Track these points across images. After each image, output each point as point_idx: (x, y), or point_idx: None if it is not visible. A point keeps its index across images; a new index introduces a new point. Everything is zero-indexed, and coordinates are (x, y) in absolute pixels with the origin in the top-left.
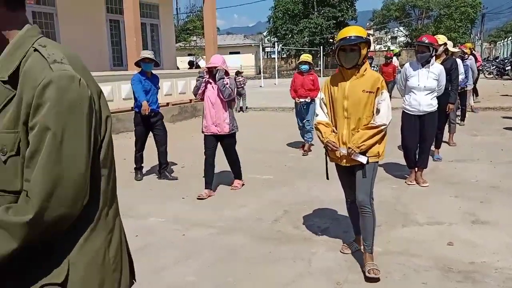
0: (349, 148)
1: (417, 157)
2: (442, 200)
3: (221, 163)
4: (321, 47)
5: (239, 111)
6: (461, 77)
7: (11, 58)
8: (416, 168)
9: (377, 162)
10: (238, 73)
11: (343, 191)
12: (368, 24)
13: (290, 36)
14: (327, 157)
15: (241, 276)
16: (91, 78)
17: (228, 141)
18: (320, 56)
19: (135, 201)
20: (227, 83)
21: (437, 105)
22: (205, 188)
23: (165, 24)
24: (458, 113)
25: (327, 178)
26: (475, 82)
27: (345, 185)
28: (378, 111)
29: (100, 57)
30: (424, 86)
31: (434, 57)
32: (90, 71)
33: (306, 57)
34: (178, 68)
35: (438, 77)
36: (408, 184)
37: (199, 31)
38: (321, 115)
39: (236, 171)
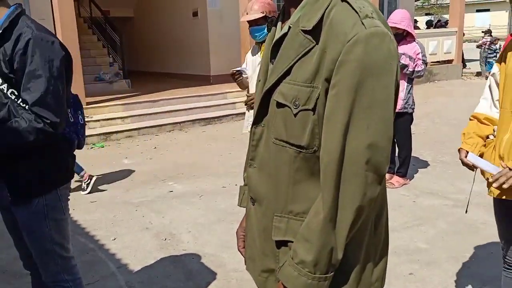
0: (506, 167)
1: None
2: None
3: None
4: None
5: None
6: None
7: (315, 7)
8: None
9: None
10: (486, 32)
11: None
12: None
13: None
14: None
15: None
16: (392, 35)
17: (398, 121)
18: None
19: None
20: (416, 58)
21: None
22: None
23: None
24: None
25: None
26: None
27: (501, 231)
28: None
29: None
30: None
31: None
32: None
33: None
34: None
35: None
36: None
37: None
38: (482, 104)
39: (400, 162)
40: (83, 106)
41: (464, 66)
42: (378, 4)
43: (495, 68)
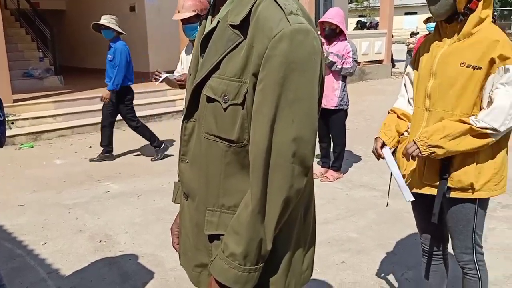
0: (413, 142)
1: None
2: None
3: None
4: None
5: None
6: None
7: (242, 2)
8: None
9: (476, 202)
10: (413, 34)
11: None
12: None
13: None
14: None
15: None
16: (316, 31)
17: (335, 117)
18: None
19: None
20: (345, 55)
21: None
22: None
23: None
24: None
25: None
26: None
27: (417, 221)
28: (490, 103)
29: None
30: None
31: None
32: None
33: None
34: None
35: None
36: None
37: None
38: (400, 100)
39: (335, 157)
40: (10, 104)
41: (393, 66)
42: (313, 5)
43: (409, 68)
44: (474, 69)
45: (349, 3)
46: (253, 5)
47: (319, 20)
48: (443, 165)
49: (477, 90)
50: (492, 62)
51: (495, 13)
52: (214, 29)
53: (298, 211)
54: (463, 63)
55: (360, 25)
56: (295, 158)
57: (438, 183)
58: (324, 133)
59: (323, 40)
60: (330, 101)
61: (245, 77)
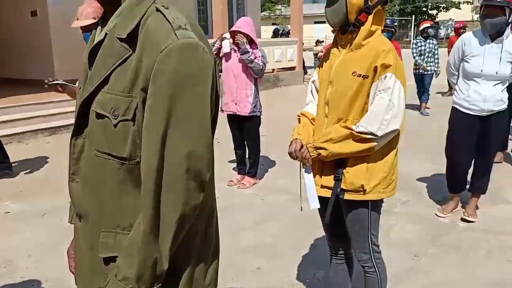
0: (307, 145)
1: (469, 177)
2: None
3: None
4: (413, 16)
5: None
6: None
7: (130, 15)
8: (470, 194)
9: (368, 204)
10: (318, 42)
11: (426, 166)
12: None
13: None
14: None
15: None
16: (208, 45)
17: (249, 123)
18: (411, 26)
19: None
20: (255, 57)
21: (507, 101)
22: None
23: None
24: None
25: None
26: None
27: (324, 226)
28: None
29: None
30: (495, 73)
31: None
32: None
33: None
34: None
35: None
36: (440, 216)
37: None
38: (310, 106)
39: (251, 164)
40: None
41: (306, 72)
42: (227, 14)
43: (315, 74)
44: (363, 78)
45: (262, 11)
46: (141, 18)
47: (230, 30)
48: (337, 169)
49: (365, 97)
50: (375, 70)
51: (395, 23)
52: (102, 41)
53: (198, 227)
54: (354, 73)
55: (274, 33)
56: (188, 174)
57: (331, 186)
58: (239, 140)
59: (235, 48)
60: (243, 108)
61: (134, 92)
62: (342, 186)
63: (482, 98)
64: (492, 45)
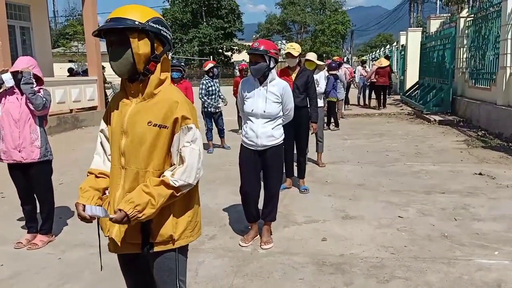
0: (119, 210)
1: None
2: (318, 199)
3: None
4: (211, 56)
5: None
6: (321, 89)
7: None
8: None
9: (176, 250)
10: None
11: (231, 198)
12: (254, 36)
13: (179, 45)
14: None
15: None
16: None
17: (38, 171)
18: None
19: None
20: (39, 91)
21: (282, 136)
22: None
23: (38, 27)
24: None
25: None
26: (346, 92)
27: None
28: (181, 160)
29: None
30: (263, 111)
31: (274, 70)
32: None
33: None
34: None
35: (281, 98)
36: (243, 246)
37: (80, 36)
38: (96, 160)
39: (43, 219)
40: None
41: None
42: (9, 51)
43: (103, 124)
44: (160, 128)
45: (54, 48)
46: None
47: (10, 70)
48: (143, 223)
49: (166, 147)
50: (175, 121)
51: (182, 63)
52: None
53: None
54: (150, 122)
55: (69, 72)
56: None
57: (140, 241)
58: (26, 192)
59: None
60: (30, 154)
61: None
62: (151, 240)
63: (255, 134)
64: (260, 87)
